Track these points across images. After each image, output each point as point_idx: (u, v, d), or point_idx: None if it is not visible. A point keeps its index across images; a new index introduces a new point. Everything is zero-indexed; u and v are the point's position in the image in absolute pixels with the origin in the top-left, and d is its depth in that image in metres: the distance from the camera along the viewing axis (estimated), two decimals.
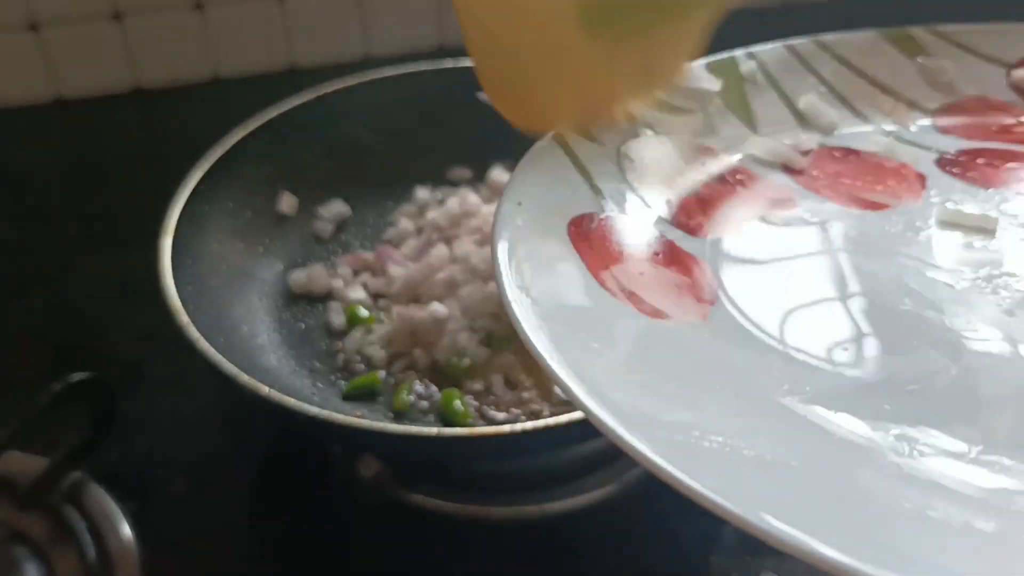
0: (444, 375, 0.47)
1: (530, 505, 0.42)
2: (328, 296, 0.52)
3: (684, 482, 0.21)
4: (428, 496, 0.43)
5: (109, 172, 0.68)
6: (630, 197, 0.34)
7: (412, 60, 0.60)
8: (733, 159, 0.37)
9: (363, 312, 0.50)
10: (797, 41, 0.41)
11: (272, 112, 0.55)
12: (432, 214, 0.55)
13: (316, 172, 0.57)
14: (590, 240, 0.31)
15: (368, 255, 0.54)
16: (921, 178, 0.36)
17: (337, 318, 0.51)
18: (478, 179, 0.58)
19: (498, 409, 0.45)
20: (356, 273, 0.54)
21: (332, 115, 0.57)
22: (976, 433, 0.25)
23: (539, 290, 0.28)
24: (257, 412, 0.46)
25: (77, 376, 0.41)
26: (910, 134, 0.38)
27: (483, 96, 0.37)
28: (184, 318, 0.42)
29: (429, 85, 0.59)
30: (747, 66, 0.40)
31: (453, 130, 0.59)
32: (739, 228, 0.34)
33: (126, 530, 0.40)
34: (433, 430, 0.38)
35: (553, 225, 0.31)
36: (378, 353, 0.48)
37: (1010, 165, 0.36)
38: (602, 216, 0.33)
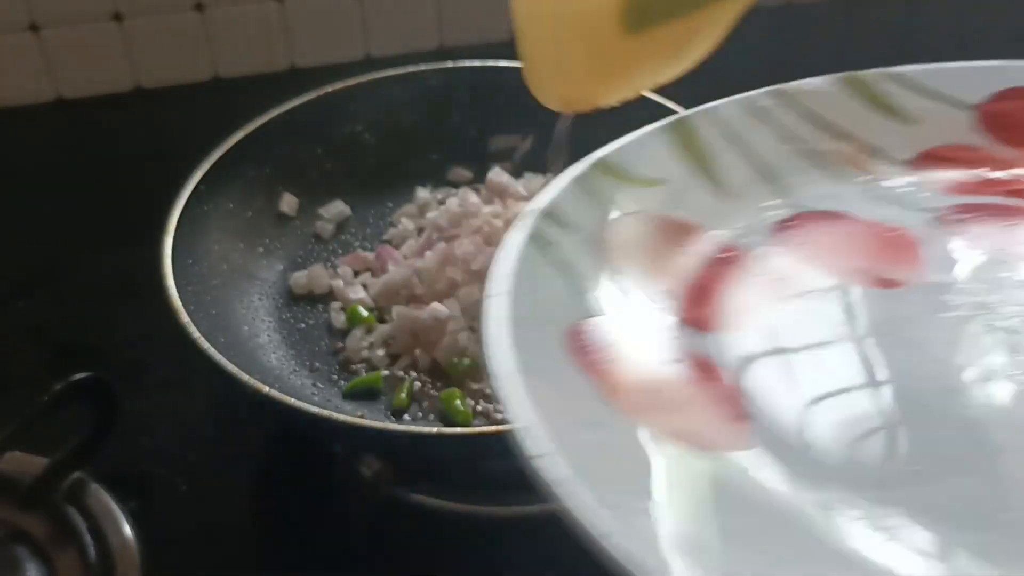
0: (444, 375, 0.47)
1: (530, 505, 0.42)
2: (329, 296, 0.52)
3: None
4: (428, 496, 0.43)
5: (109, 172, 0.68)
6: (623, 294, 0.29)
7: (412, 60, 0.60)
8: (717, 235, 0.32)
9: (363, 312, 0.50)
10: (754, 94, 0.37)
11: (272, 112, 0.55)
12: (432, 214, 0.55)
13: (316, 172, 0.57)
14: (590, 358, 0.26)
15: (368, 255, 0.54)
16: (917, 244, 0.32)
17: (338, 318, 0.51)
18: (478, 179, 0.58)
19: (498, 409, 0.45)
20: (356, 273, 0.54)
21: (332, 115, 0.57)
22: None
23: (568, 443, 0.22)
24: (258, 412, 0.47)
25: (78, 376, 0.41)
26: (890, 191, 0.34)
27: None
28: (185, 318, 0.42)
29: (429, 85, 0.59)
30: (705, 126, 0.35)
31: (453, 130, 0.59)
32: (751, 320, 0.29)
33: (127, 530, 0.40)
34: (433, 430, 0.38)
35: (552, 351, 0.26)
36: (378, 353, 0.48)
37: (1009, 222, 0.32)
38: (599, 324, 0.28)
